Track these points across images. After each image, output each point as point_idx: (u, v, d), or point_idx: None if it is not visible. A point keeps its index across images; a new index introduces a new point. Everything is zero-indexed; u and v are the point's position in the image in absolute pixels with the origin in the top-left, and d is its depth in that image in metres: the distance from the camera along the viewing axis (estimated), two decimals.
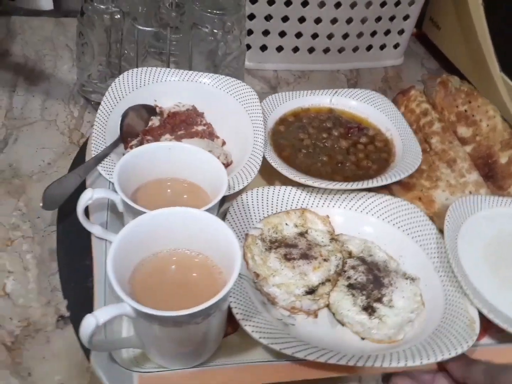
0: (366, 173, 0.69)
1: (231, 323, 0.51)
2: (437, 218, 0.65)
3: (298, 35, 0.93)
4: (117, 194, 0.51)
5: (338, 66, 1.00)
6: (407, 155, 0.70)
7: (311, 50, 0.96)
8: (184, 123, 0.71)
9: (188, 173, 0.57)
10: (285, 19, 0.90)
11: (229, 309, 0.49)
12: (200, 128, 0.71)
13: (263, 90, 0.92)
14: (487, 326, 0.55)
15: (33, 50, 0.93)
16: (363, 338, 0.54)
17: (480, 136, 0.74)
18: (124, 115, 0.70)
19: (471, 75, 0.95)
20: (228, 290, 0.43)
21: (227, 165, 0.67)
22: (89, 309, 0.50)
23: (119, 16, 0.75)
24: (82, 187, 0.59)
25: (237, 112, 0.72)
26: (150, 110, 0.73)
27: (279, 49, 0.95)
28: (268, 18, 0.89)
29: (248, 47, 0.91)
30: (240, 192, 0.63)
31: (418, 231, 0.63)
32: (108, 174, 0.61)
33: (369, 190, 0.67)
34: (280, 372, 0.49)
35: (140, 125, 0.71)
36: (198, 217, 0.47)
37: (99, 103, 0.70)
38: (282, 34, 0.92)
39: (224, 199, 0.64)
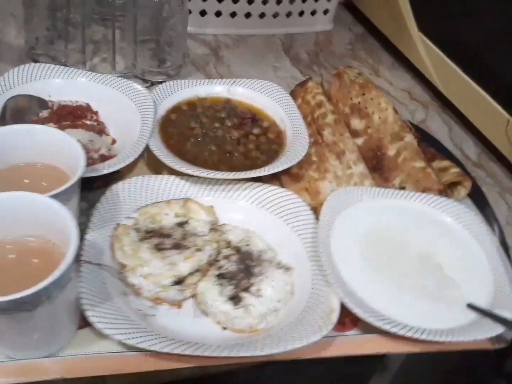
0: (254, 164, 0.69)
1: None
2: (321, 208, 0.65)
3: (235, 0, 0.99)
4: None
5: (273, 31, 1.07)
6: (296, 147, 0.70)
7: (247, 15, 1.02)
8: (71, 115, 0.70)
9: (43, 156, 0.55)
10: None
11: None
12: (88, 122, 0.70)
13: (204, 53, 0.98)
14: (357, 319, 0.55)
15: None
16: (224, 328, 0.53)
17: (371, 129, 0.75)
18: (10, 99, 0.69)
19: (393, 36, 1.04)
20: (59, 275, 0.41)
21: (108, 158, 0.66)
22: None
23: None
24: None
25: (128, 110, 0.72)
26: (43, 104, 0.72)
27: (218, 14, 1.01)
28: None
29: (189, 12, 0.94)
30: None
31: (298, 221, 0.63)
32: None
33: (258, 181, 0.67)
34: (128, 363, 0.49)
35: (30, 115, 0.70)
36: (36, 201, 0.46)
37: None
38: None
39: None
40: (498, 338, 0.56)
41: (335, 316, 0.52)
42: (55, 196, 0.47)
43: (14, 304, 0.40)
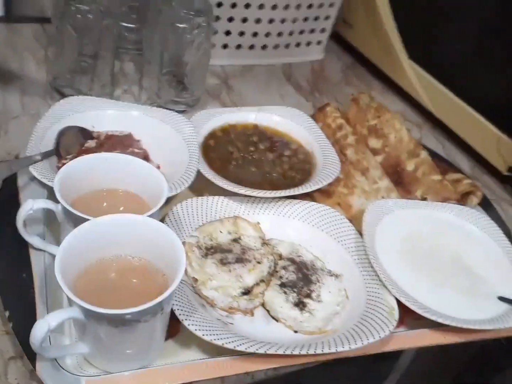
0: (292, 182, 0.75)
1: (170, 328, 0.54)
2: (355, 220, 0.72)
3: (241, 34, 1.07)
4: (56, 204, 0.53)
5: (274, 61, 1.14)
6: (327, 165, 0.77)
7: (251, 47, 1.10)
8: (121, 145, 0.73)
9: (125, 183, 0.59)
10: (230, 19, 1.03)
11: (171, 312, 0.52)
12: (136, 150, 0.74)
13: (215, 82, 1.04)
14: (403, 317, 0.61)
15: None
16: (296, 331, 0.59)
17: (389, 147, 0.83)
18: (62, 130, 0.72)
19: (383, 65, 1.13)
20: (174, 289, 0.46)
21: None
22: (31, 319, 0.51)
23: (96, 14, 0.81)
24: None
25: (171, 137, 0.76)
26: (87, 134, 0.75)
27: (225, 46, 1.08)
28: (216, 18, 1.00)
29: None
30: (173, 204, 0.66)
31: (339, 232, 0.69)
32: (42, 178, 0.63)
33: (294, 198, 0.73)
34: (220, 368, 0.53)
35: (75, 146, 0.72)
36: (141, 223, 0.50)
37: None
38: (228, 33, 1.05)
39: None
40: None
41: (396, 314, 0.59)
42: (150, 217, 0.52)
43: (138, 315, 0.44)
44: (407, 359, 0.86)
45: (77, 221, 0.51)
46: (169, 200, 0.69)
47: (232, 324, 0.58)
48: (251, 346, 0.51)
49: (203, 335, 0.51)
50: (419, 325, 0.62)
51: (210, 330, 0.52)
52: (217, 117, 0.82)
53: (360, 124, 0.85)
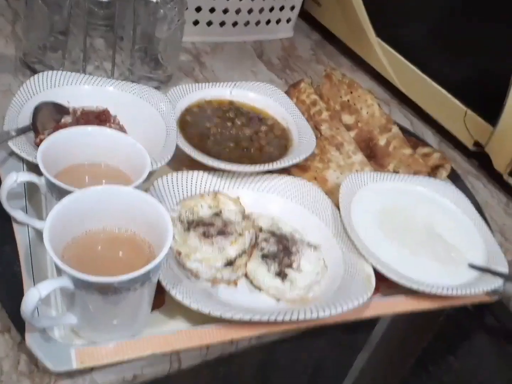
0: (270, 158, 0.76)
1: (155, 300, 0.54)
2: (331, 194, 0.74)
3: (212, 10, 1.06)
4: (40, 177, 0.52)
5: (245, 38, 1.15)
6: (303, 140, 0.78)
7: (222, 24, 1.10)
8: (97, 120, 0.72)
9: (107, 157, 0.59)
10: None
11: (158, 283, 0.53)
12: (112, 126, 0.73)
13: (187, 59, 1.04)
14: (378, 285, 0.63)
15: None
16: (278, 300, 0.60)
17: (361, 122, 0.85)
18: (38, 106, 0.71)
19: (351, 43, 1.15)
20: (162, 258, 0.46)
21: None
22: (18, 292, 0.51)
23: None
24: None
25: (148, 112, 0.75)
26: (62, 110, 0.74)
27: (196, 23, 1.07)
28: None
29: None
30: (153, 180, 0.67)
31: (317, 205, 0.71)
32: (22, 152, 0.62)
33: (271, 172, 0.74)
34: (206, 336, 0.54)
35: (51, 122, 0.71)
36: (128, 194, 0.50)
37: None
38: (198, 9, 1.05)
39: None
40: (493, 292, 0.67)
41: (373, 281, 0.61)
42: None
43: (129, 283, 0.45)
44: (380, 331, 0.90)
45: (61, 193, 0.51)
46: (148, 176, 0.69)
47: (217, 294, 0.59)
48: (236, 313, 0.53)
49: (190, 303, 0.52)
50: (394, 293, 0.65)
51: (196, 299, 0.53)
52: (193, 93, 0.82)
53: (333, 99, 0.87)
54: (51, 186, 0.52)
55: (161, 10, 0.83)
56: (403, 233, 0.70)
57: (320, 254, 0.67)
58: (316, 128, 0.83)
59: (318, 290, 0.62)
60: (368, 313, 0.62)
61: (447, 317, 0.81)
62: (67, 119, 0.72)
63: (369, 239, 0.67)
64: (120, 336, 0.52)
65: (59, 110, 0.73)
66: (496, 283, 0.66)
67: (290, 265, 0.64)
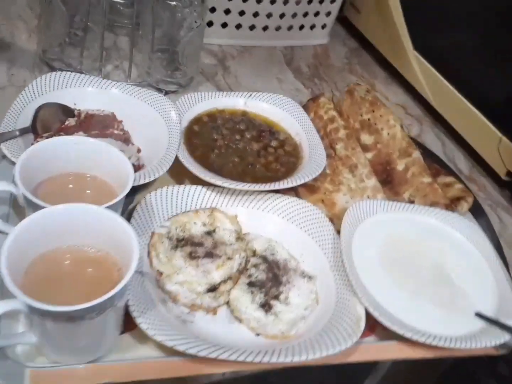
0: (275, 176, 0.72)
1: (128, 322, 0.52)
2: (337, 219, 0.69)
3: (241, 13, 1.03)
4: (17, 187, 0.51)
5: (275, 43, 1.11)
6: (313, 160, 0.74)
7: (252, 27, 1.06)
8: (100, 125, 0.71)
9: (93, 168, 0.57)
10: None
11: (126, 307, 0.51)
12: (116, 131, 0.72)
13: (211, 63, 1.01)
14: (374, 325, 0.59)
15: None
16: (258, 334, 0.57)
17: (380, 144, 0.79)
18: (40, 108, 0.70)
19: (388, 53, 1.10)
20: (123, 286, 0.44)
21: (138, 168, 0.68)
22: None
23: None
24: None
25: (154, 120, 0.74)
26: (68, 112, 0.73)
27: (224, 25, 1.04)
28: None
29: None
30: (151, 190, 0.64)
31: (319, 232, 0.67)
32: (13, 156, 0.61)
33: (277, 191, 0.70)
34: (172, 369, 0.51)
35: (55, 123, 0.70)
36: (97, 213, 0.48)
37: (62, 70, 0.76)
38: (227, 11, 1.02)
39: (133, 198, 0.65)
40: (502, 345, 0.61)
41: (362, 324, 0.57)
42: (110, 207, 0.50)
43: (83, 312, 0.43)
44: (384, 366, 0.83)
45: (36, 207, 0.49)
46: (147, 186, 0.67)
47: (192, 322, 0.56)
48: (203, 349, 0.50)
49: (154, 334, 0.49)
50: (390, 336, 0.60)
51: (163, 330, 0.50)
52: (205, 101, 0.79)
53: (353, 117, 0.82)
54: (25, 198, 0.51)
55: (179, 14, 0.80)
56: (408, 270, 0.65)
57: (313, 287, 0.63)
58: (331, 146, 0.78)
59: (302, 327, 0.58)
60: (355, 358, 0.57)
61: (454, 361, 0.75)
62: (71, 121, 0.71)
63: (368, 275, 0.62)
64: (82, 359, 0.50)
65: (65, 112, 0.72)
66: (503, 337, 0.60)
67: (277, 297, 0.60)
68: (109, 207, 0.50)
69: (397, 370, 0.82)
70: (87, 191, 0.57)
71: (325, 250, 0.65)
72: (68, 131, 0.69)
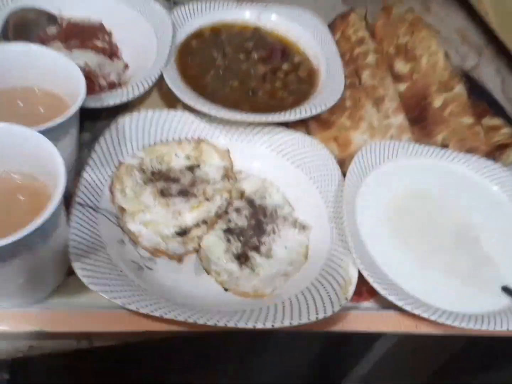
0: (280, 105, 0.61)
1: None
2: (350, 162, 0.58)
3: None
4: None
5: None
6: (329, 88, 0.62)
7: None
8: (81, 35, 0.63)
9: (42, 80, 0.49)
10: None
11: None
12: (100, 43, 0.63)
13: None
14: (373, 290, 0.49)
15: None
16: (226, 289, 0.48)
17: (417, 74, 0.65)
18: (15, 11, 0.61)
19: None
20: (44, 220, 0.36)
21: (118, 84, 0.59)
22: None
23: None
24: None
25: (145, 31, 0.64)
26: (50, 19, 0.64)
27: None
28: None
29: None
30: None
31: (322, 176, 0.56)
32: None
33: (285, 125, 0.59)
34: (111, 322, 0.45)
35: (35, 30, 0.62)
36: (18, 134, 0.40)
37: None
38: None
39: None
40: None
41: (351, 290, 0.47)
42: (51, 130, 0.42)
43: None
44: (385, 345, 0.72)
45: None
46: (126, 108, 0.58)
47: (152, 269, 0.48)
48: (147, 305, 0.42)
49: (91, 283, 0.42)
50: (390, 304, 0.49)
51: (104, 279, 0.43)
52: (210, 13, 0.67)
53: (388, 40, 0.68)
54: None
55: None
56: (421, 231, 0.53)
57: (304, 239, 0.53)
58: (356, 74, 0.65)
59: (281, 286, 0.49)
60: (339, 327, 0.48)
61: (468, 341, 0.64)
62: (51, 30, 0.62)
63: (369, 232, 0.51)
64: (21, 302, 0.44)
65: (50, 19, 0.63)
66: None
67: (257, 248, 0.51)
68: (53, 129, 0.42)
69: (397, 351, 0.71)
70: (41, 110, 0.49)
71: (326, 198, 0.55)
72: (46, 41, 0.60)
